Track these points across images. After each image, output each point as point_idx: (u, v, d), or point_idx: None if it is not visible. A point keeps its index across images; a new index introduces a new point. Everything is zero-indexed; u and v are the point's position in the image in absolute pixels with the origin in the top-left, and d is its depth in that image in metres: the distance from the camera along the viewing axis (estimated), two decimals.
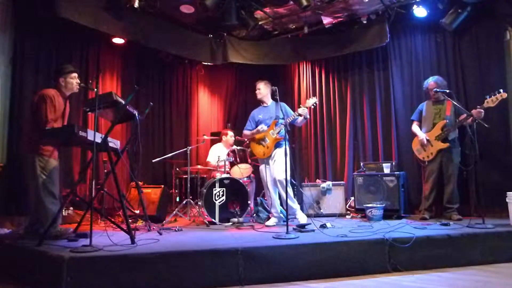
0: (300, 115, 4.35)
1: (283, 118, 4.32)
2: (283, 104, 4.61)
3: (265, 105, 4.68)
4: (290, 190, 4.25)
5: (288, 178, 4.11)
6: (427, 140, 4.66)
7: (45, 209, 3.49)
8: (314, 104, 4.46)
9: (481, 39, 5.02)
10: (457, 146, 4.63)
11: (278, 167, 4.31)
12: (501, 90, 4.17)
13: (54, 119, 3.58)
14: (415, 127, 4.91)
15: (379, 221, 4.46)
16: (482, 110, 4.21)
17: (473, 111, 4.24)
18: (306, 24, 5.98)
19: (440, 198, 4.67)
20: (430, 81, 4.77)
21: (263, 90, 4.63)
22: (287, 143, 4.06)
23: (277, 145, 4.43)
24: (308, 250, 3.10)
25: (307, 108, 4.38)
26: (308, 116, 4.47)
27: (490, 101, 4.20)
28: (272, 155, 4.43)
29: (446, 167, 4.59)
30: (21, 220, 4.40)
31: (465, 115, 4.47)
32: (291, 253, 3.06)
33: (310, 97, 4.59)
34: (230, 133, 5.84)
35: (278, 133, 4.41)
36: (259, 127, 4.46)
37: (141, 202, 4.29)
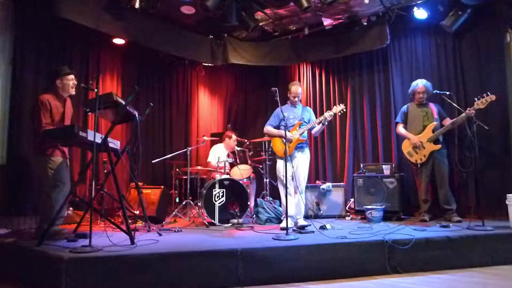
0: (326, 119, 4.32)
1: (286, 121, 4.30)
2: (310, 109, 4.68)
3: (293, 105, 4.58)
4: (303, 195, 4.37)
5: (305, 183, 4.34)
6: (420, 142, 4.66)
7: (53, 210, 3.50)
8: (342, 111, 4.44)
9: (481, 41, 5.02)
10: (445, 148, 4.67)
11: (302, 173, 4.33)
12: (488, 93, 4.28)
13: (50, 123, 3.64)
14: (402, 130, 4.91)
15: (378, 223, 4.46)
16: (473, 111, 4.27)
17: (466, 112, 4.33)
18: (306, 26, 5.99)
19: (437, 200, 4.67)
20: (420, 84, 4.80)
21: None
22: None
23: (298, 146, 4.38)
24: (307, 252, 3.10)
25: (334, 113, 4.36)
26: (326, 123, 4.42)
27: (480, 103, 4.30)
28: (292, 157, 4.32)
29: (438, 169, 4.61)
30: (21, 221, 4.41)
31: (448, 118, 4.61)
32: (290, 254, 3.07)
33: (340, 104, 4.53)
34: (234, 137, 5.77)
35: (301, 134, 4.37)
36: (283, 134, 4.25)
37: (141, 202, 4.29)
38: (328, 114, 4.33)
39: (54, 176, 3.60)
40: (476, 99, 4.32)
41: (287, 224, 3.68)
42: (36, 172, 3.74)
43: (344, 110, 4.50)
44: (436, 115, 4.71)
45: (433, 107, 4.77)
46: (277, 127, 4.51)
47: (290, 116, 4.48)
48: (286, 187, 3.89)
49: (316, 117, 4.56)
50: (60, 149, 3.72)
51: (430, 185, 4.73)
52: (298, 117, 4.47)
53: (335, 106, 4.48)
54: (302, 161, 4.37)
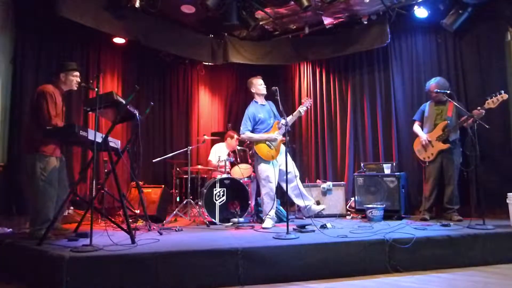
0: (300, 113, 4.44)
1: (284, 119, 4.31)
2: (272, 103, 4.67)
3: (262, 103, 4.55)
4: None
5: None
6: (428, 141, 4.66)
7: (42, 211, 3.50)
8: (309, 104, 4.54)
9: (482, 40, 5.01)
10: (458, 147, 4.62)
11: (292, 164, 4.31)
12: (502, 92, 4.19)
13: (56, 115, 3.58)
14: (416, 127, 4.91)
15: (379, 222, 4.45)
16: (483, 111, 4.22)
17: (474, 112, 4.26)
18: (307, 25, 5.98)
19: (440, 199, 4.67)
20: (432, 83, 4.77)
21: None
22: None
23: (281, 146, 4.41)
24: (308, 251, 3.10)
25: (306, 107, 4.46)
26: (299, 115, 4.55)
27: (491, 102, 4.22)
28: (278, 157, 4.39)
29: (447, 168, 4.59)
30: (21, 220, 4.41)
31: (465, 116, 4.47)
32: (291, 253, 3.06)
33: (307, 97, 4.62)
34: (236, 137, 5.76)
35: (283, 135, 4.36)
36: (270, 136, 4.36)
37: (142, 202, 4.29)
38: (302, 110, 4.44)
39: (44, 177, 3.52)
40: (488, 97, 4.24)
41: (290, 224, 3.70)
42: (27, 172, 3.57)
43: (311, 102, 4.60)
44: (451, 114, 4.63)
45: (451, 106, 4.64)
46: (253, 131, 4.46)
47: (265, 117, 4.45)
48: (286, 189, 3.89)
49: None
50: (56, 147, 3.67)
51: (437, 184, 4.69)
52: (272, 116, 4.47)
53: (303, 100, 4.58)
54: (289, 156, 4.31)
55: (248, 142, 5.61)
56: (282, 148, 4.41)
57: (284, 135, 4.28)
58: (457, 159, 4.58)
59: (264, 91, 4.55)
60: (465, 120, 4.41)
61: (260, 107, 4.53)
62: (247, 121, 4.45)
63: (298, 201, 4.49)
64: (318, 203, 5.25)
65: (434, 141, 4.63)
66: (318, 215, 4.96)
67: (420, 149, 4.77)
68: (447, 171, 4.58)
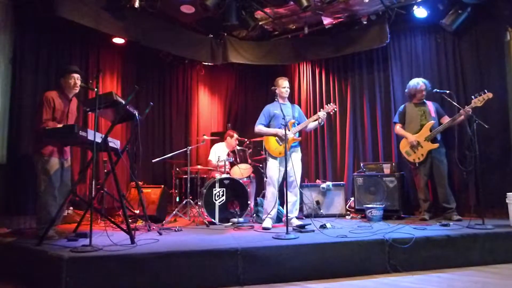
0: (319, 118, 4.30)
1: (283, 118, 4.29)
2: (299, 108, 4.65)
3: (283, 103, 4.46)
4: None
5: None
6: (417, 142, 4.67)
7: (45, 210, 3.54)
8: (334, 110, 4.45)
9: (481, 39, 5.02)
10: (443, 147, 4.68)
11: (298, 172, 4.31)
12: (485, 91, 4.30)
13: (50, 119, 3.63)
14: (400, 129, 4.93)
15: (379, 222, 4.46)
16: (470, 109, 4.29)
17: (461, 111, 4.34)
18: (306, 25, 5.99)
19: (437, 199, 4.68)
20: (421, 83, 4.80)
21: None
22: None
23: (293, 145, 4.34)
24: (308, 251, 3.11)
25: (326, 113, 4.36)
26: (322, 123, 4.40)
27: (477, 101, 4.32)
28: (288, 156, 4.28)
29: (437, 167, 4.61)
30: (21, 220, 4.41)
31: (446, 117, 4.65)
32: (290, 253, 3.07)
33: (331, 103, 4.53)
34: (235, 136, 5.76)
35: (295, 133, 4.34)
36: (279, 132, 4.30)
37: (141, 202, 4.28)
38: (322, 114, 4.33)
39: (47, 176, 3.59)
40: (473, 97, 4.34)
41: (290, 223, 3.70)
42: (31, 172, 3.76)
43: (335, 109, 4.49)
44: (433, 114, 4.72)
45: (431, 106, 4.78)
46: (268, 126, 4.45)
47: (281, 114, 4.41)
48: (286, 187, 3.89)
49: (307, 117, 4.54)
50: (58, 149, 3.71)
51: (430, 184, 4.74)
52: (290, 116, 4.41)
53: (327, 105, 4.47)
54: (297, 160, 4.35)
55: (247, 142, 5.63)
56: (295, 155, 4.34)
57: (298, 135, 4.36)
58: (444, 159, 4.64)
59: (285, 95, 4.50)
60: (456, 117, 4.47)
61: (277, 105, 4.40)
62: (262, 116, 4.51)
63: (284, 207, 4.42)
64: (317, 203, 5.27)
65: (423, 142, 4.65)
66: (318, 215, 4.98)
67: (408, 151, 4.77)
68: (437, 171, 4.61)
